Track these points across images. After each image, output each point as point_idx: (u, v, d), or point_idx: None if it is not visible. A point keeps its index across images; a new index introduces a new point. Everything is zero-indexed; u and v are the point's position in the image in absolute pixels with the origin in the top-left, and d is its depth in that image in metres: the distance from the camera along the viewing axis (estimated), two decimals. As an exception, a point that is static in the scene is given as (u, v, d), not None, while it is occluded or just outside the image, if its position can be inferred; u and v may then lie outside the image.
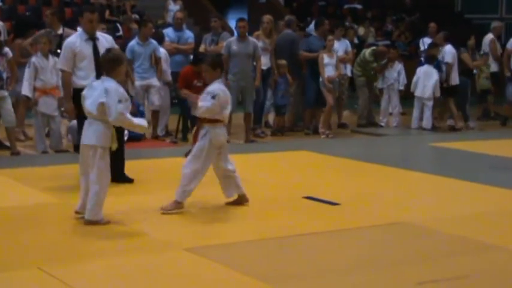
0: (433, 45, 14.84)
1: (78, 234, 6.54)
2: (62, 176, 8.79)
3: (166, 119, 12.77)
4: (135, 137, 11.68)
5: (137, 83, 12.30)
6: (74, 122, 10.43)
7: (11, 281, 5.35)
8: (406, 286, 5.47)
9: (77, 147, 10.76)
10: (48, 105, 10.36)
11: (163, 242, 6.40)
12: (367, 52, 14.82)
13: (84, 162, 6.84)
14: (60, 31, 11.43)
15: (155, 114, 12.52)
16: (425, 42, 15.61)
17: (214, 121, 7.25)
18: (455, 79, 14.46)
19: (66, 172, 9.02)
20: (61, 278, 5.32)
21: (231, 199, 7.61)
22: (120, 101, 6.63)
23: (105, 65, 6.90)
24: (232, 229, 6.86)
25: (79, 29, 9.12)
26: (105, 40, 8.72)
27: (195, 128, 7.69)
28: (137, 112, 11.32)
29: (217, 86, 7.29)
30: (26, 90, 10.63)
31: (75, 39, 8.63)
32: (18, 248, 6.12)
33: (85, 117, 6.96)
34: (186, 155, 7.70)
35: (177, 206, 7.22)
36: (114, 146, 6.83)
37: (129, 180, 8.63)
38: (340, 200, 7.97)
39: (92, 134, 6.74)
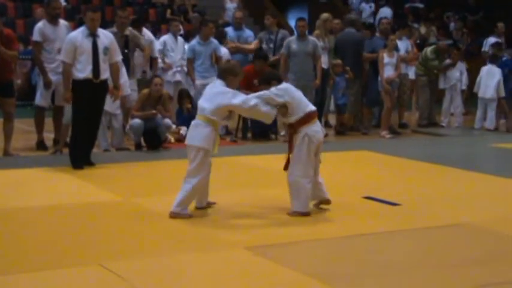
0: (496, 45, 14.62)
1: (139, 232, 6.60)
2: (123, 174, 8.89)
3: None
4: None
5: (198, 81, 12.41)
6: (136, 120, 10.56)
7: (72, 276, 5.42)
8: (467, 288, 5.41)
9: (138, 146, 10.91)
10: (110, 103, 10.44)
11: (224, 241, 6.42)
12: (428, 50, 14.68)
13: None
14: (126, 32, 11.54)
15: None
16: (489, 42, 15.36)
17: (303, 121, 7.27)
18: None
19: (128, 170, 9.13)
20: (121, 275, 5.38)
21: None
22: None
23: (221, 73, 7.33)
24: (291, 229, 6.83)
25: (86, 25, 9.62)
26: (105, 37, 9.48)
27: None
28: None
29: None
30: None
31: (77, 34, 9.43)
32: (80, 245, 6.19)
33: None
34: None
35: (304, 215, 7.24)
36: (216, 150, 7.05)
37: (92, 164, 9.38)
38: (400, 200, 7.90)
39: (196, 136, 6.98)
